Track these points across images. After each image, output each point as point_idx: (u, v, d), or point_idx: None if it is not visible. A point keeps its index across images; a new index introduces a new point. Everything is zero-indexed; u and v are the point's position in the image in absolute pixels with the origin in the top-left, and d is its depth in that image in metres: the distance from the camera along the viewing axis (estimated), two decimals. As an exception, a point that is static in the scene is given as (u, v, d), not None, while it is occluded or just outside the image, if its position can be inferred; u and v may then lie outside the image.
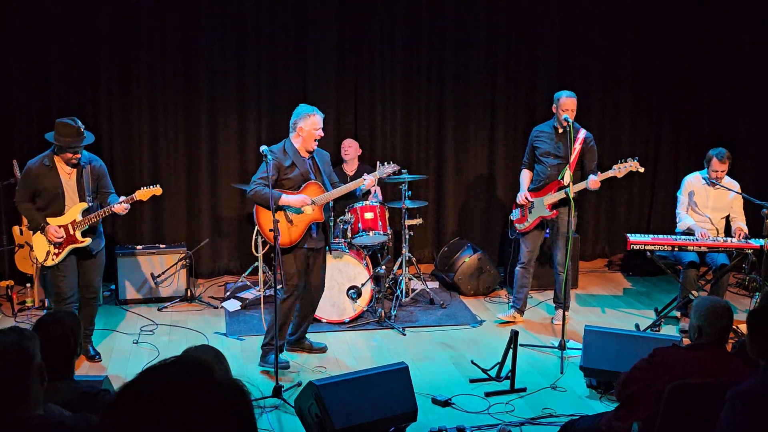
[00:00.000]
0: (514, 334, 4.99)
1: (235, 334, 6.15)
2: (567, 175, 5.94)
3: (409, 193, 6.72)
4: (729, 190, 6.29)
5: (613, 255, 8.51)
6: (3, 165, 6.83)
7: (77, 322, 3.26)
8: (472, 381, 5.24)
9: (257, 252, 6.81)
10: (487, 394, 5.02)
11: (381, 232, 6.40)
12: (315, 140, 5.28)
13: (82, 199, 5.31)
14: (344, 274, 6.31)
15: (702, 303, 3.52)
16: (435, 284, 7.41)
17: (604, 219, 8.62)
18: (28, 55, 7.15)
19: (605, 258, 8.57)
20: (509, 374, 5.07)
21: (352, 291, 6.29)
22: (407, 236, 6.76)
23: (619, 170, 5.95)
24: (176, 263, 6.94)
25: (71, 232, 5.28)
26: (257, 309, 6.66)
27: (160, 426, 1.27)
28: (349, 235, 6.47)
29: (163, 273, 6.91)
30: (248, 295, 7.00)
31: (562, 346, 5.52)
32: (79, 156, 5.22)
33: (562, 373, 5.36)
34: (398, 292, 6.77)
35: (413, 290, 7.04)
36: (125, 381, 1.35)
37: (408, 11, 7.83)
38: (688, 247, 6.07)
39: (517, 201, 6.35)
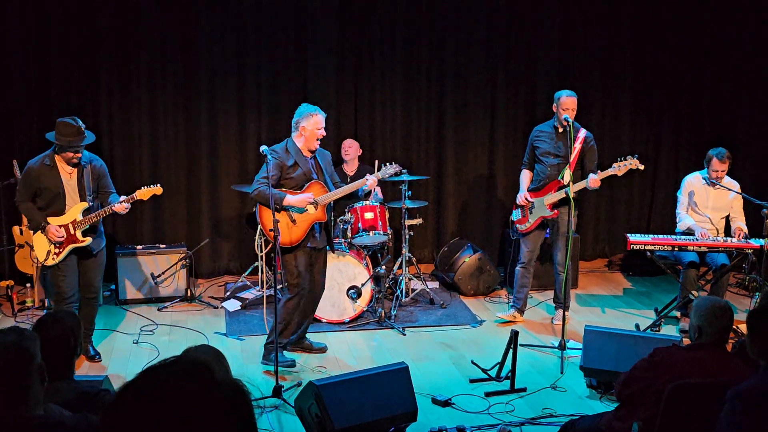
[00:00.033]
0: (514, 334, 4.99)
1: (235, 334, 6.15)
2: (567, 175, 5.94)
3: (409, 193, 6.72)
4: (729, 190, 6.29)
5: (613, 255, 8.51)
6: (3, 165, 6.83)
7: (77, 322, 3.26)
8: (472, 381, 5.24)
9: (260, 251, 6.81)
10: (487, 394, 5.02)
11: (381, 232, 6.40)
12: (317, 140, 5.29)
13: (82, 198, 5.31)
14: (344, 274, 6.31)
15: (702, 303, 3.52)
16: (435, 284, 7.41)
17: (604, 219, 8.62)
18: (28, 55, 7.15)
19: (605, 258, 8.57)
20: (509, 374, 5.06)
21: (352, 291, 6.29)
22: (407, 236, 6.76)
23: (619, 168, 5.94)
24: (176, 263, 6.94)
25: (72, 232, 5.28)
26: (257, 309, 6.67)
27: (160, 426, 1.27)
28: (349, 235, 6.47)
29: (163, 273, 6.91)
30: (248, 295, 7.00)
31: (562, 346, 5.52)
32: (80, 155, 5.23)
33: (562, 373, 5.36)
34: (398, 292, 6.77)
35: (413, 290, 7.05)
36: (125, 381, 1.35)
37: (408, 11, 7.83)
38: (688, 247, 6.07)
39: (517, 202, 6.34)
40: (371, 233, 6.37)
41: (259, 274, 7.06)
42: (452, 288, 7.25)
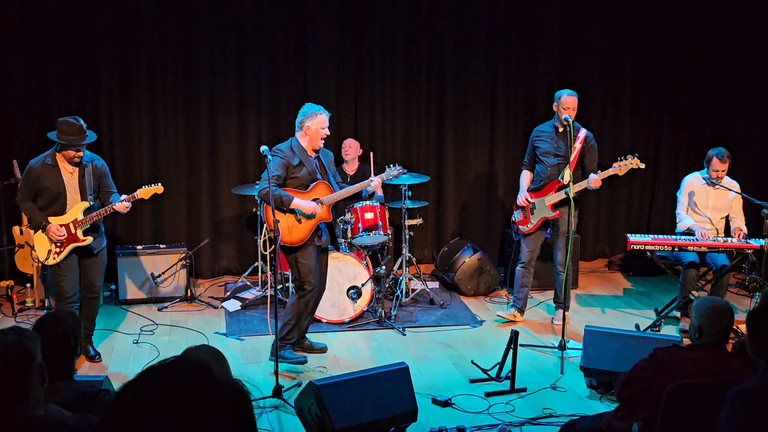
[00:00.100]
0: (514, 334, 4.99)
1: (235, 334, 6.15)
2: (567, 175, 5.93)
3: (410, 193, 6.72)
4: (729, 190, 6.29)
5: (613, 255, 8.50)
6: (3, 165, 6.83)
7: (78, 322, 3.27)
8: (472, 381, 5.24)
9: (265, 250, 6.81)
10: (487, 394, 5.02)
11: (381, 232, 6.40)
12: (321, 139, 5.30)
13: (83, 198, 5.31)
14: (344, 274, 6.31)
15: (702, 303, 3.52)
16: (435, 284, 7.41)
17: (604, 219, 8.62)
18: (28, 55, 7.15)
19: (605, 258, 8.57)
20: (509, 374, 5.06)
21: (352, 291, 6.29)
22: (407, 236, 6.76)
23: (620, 168, 5.94)
24: (176, 263, 6.94)
25: (72, 231, 5.28)
26: (257, 309, 6.67)
27: (160, 426, 1.28)
28: (350, 235, 6.47)
29: (163, 273, 6.91)
30: (248, 295, 7.00)
31: (562, 346, 5.52)
32: (81, 154, 5.23)
33: (562, 373, 5.36)
34: (398, 292, 6.77)
35: (413, 290, 7.04)
36: (125, 381, 1.35)
37: (408, 11, 7.83)
38: (688, 247, 6.07)
39: (518, 203, 6.34)
40: (371, 233, 6.37)
41: (259, 274, 7.06)
42: (452, 288, 7.25)
